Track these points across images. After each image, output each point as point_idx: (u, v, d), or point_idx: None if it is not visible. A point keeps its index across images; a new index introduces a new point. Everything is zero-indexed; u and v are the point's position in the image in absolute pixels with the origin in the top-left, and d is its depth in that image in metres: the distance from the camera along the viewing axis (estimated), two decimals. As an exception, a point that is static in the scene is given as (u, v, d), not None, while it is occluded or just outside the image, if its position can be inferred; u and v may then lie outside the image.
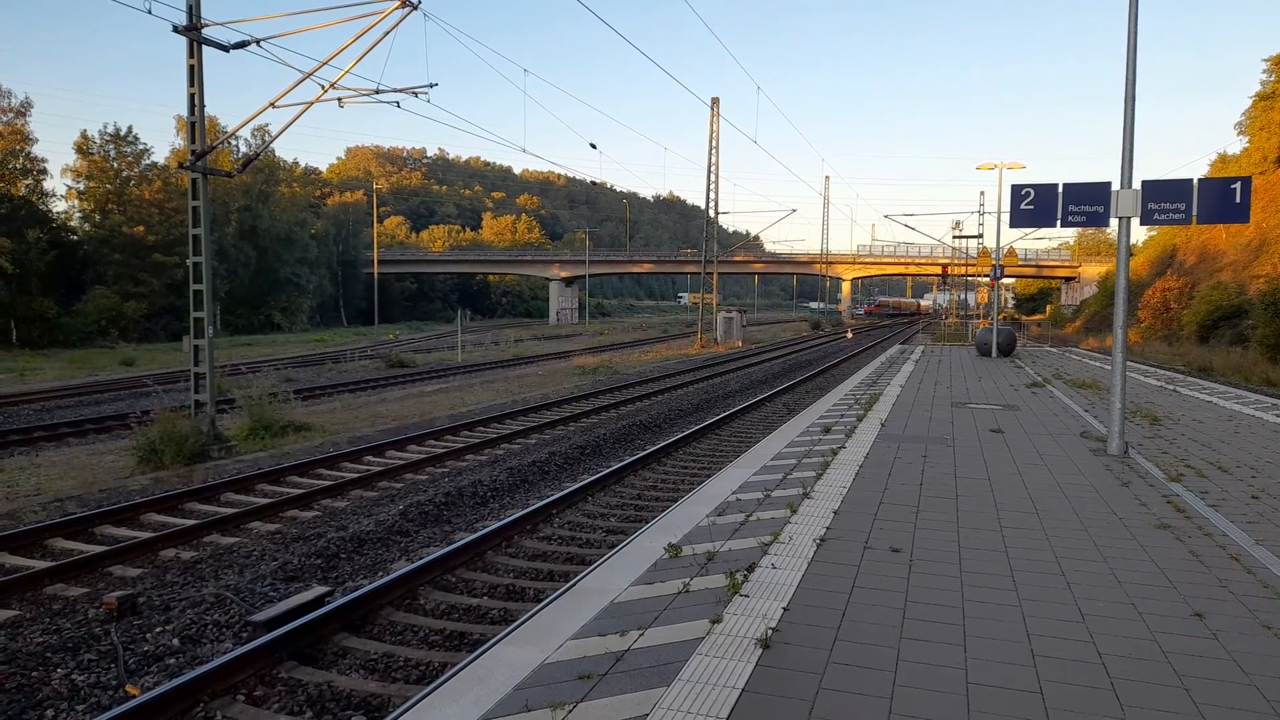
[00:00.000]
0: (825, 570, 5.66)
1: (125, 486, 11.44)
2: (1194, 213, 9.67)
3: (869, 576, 5.54)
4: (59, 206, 58.13)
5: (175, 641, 6.34)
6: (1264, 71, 51.13)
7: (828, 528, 6.70)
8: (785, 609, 4.95)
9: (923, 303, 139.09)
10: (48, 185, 56.39)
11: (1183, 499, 7.83)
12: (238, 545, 8.80)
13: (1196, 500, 7.79)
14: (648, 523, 7.29)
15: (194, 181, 14.76)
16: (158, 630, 6.52)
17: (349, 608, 6.56)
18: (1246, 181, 9.64)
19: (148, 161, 60.86)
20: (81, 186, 58.33)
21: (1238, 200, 9.53)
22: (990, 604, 5.07)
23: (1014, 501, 7.70)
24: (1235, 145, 59.66)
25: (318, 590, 7.00)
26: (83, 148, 58.26)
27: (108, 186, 58.11)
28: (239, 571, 7.97)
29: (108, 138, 59.00)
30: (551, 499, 10.15)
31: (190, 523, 9.45)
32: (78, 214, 58.89)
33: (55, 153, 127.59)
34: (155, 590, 7.43)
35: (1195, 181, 9.73)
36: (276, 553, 8.51)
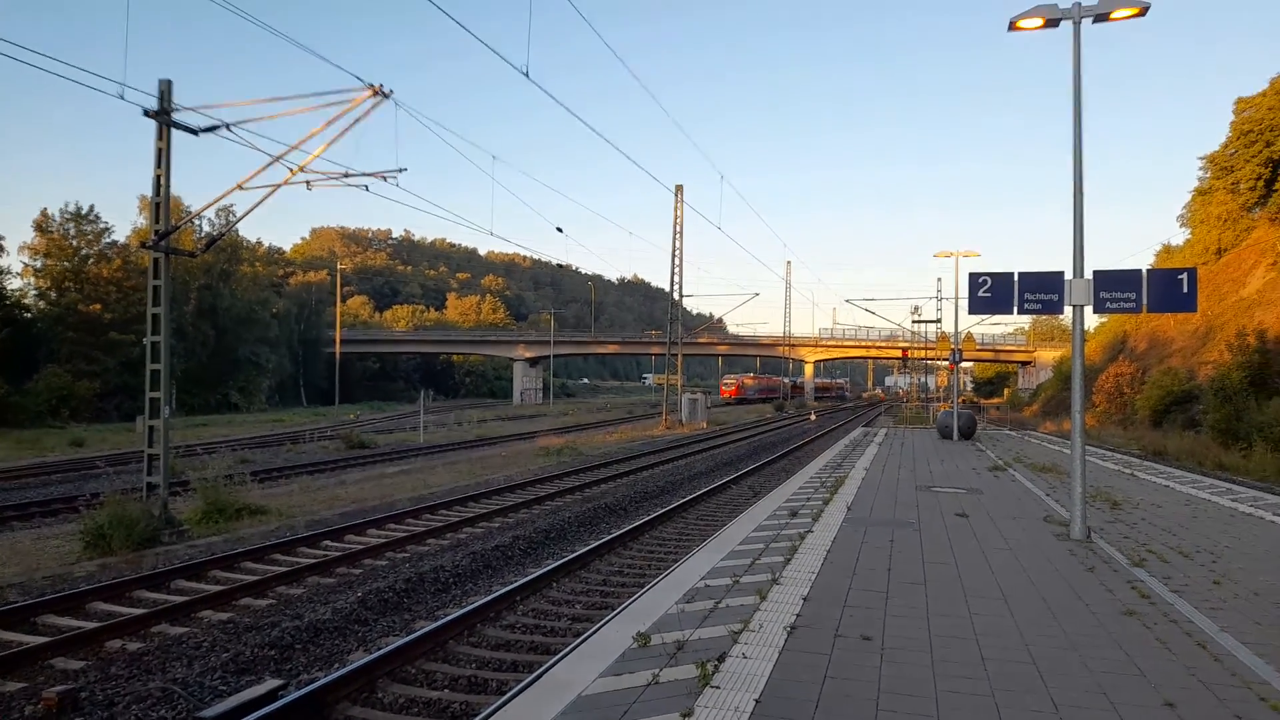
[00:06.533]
0: (797, 659, 5.57)
1: (71, 573, 10.99)
2: (1144, 302, 9.98)
3: (841, 666, 5.46)
4: (14, 284, 57.28)
5: (117, 741, 6.02)
6: (1200, 169, 54.16)
7: (798, 615, 6.62)
8: (757, 701, 4.84)
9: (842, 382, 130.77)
10: (3, 262, 55.53)
11: (1147, 584, 7.88)
12: (187, 635, 8.44)
13: (1160, 586, 7.84)
14: (615, 610, 7.15)
15: (155, 261, 14.64)
16: (99, 728, 6.19)
17: (303, 702, 6.30)
18: (1192, 272, 10.02)
19: (108, 240, 60.54)
20: (39, 264, 57.69)
21: (1185, 290, 9.87)
22: (963, 694, 5.01)
23: (982, 587, 7.69)
24: (1178, 237, 62.53)
25: (270, 684, 6.72)
26: (42, 225, 57.92)
27: (65, 264, 57.57)
28: (188, 664, 7.63)
29: (68, 216, 58.78)
30: (516, 585, 9.93)
31: (138, 612, 9.08)
32: (33, 291, 58.08)
33: (13, 230, 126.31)
34: (99, 684, 7.07)
35: (1144, 272, 10.09)
36: (228, 643, 8.17)
